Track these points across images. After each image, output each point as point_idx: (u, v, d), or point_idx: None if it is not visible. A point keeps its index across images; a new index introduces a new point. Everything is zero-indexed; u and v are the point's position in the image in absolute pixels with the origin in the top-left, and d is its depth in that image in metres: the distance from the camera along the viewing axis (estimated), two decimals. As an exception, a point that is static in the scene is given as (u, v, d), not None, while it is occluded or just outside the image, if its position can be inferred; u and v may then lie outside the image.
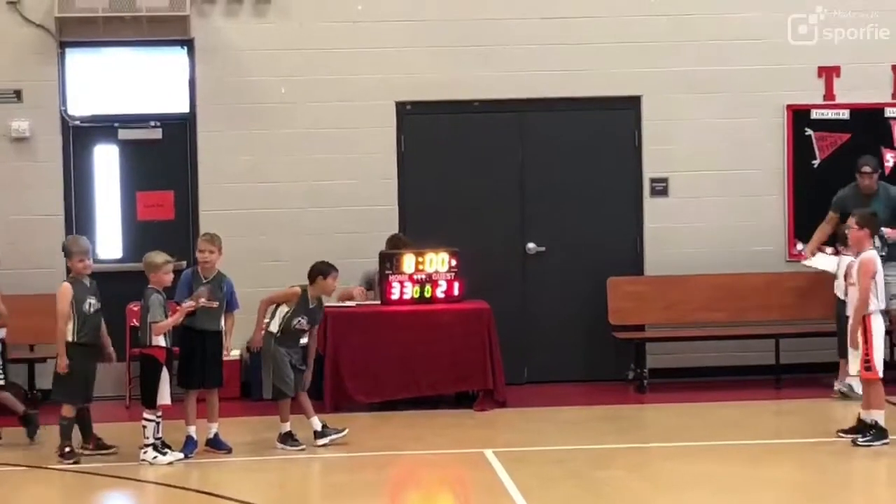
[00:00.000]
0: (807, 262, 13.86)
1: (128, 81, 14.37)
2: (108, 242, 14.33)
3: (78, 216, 14.28)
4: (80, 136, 14.35)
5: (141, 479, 10.67)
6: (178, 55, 14.38)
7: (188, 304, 11.25)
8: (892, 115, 14.74)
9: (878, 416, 11.23)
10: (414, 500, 10.48)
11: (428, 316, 13.35)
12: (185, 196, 14.40)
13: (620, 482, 10.38)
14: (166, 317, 11.15)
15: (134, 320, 13.37)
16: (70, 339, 11.28)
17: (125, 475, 10.76)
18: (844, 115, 14.71)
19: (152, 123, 14.42)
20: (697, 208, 14.60)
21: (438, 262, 13.55)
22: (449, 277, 13.56)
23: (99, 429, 11.62)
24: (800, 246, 14.61)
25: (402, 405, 13.17)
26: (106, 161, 14.42)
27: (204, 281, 11.47)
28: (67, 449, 11.21)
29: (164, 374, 11.11)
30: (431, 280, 13.51)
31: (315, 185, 14.35)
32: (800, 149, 14.70)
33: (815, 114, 14.69)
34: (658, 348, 14.34)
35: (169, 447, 11.16)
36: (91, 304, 11.37)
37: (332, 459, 11.38)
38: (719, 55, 14.57)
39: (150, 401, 11.10)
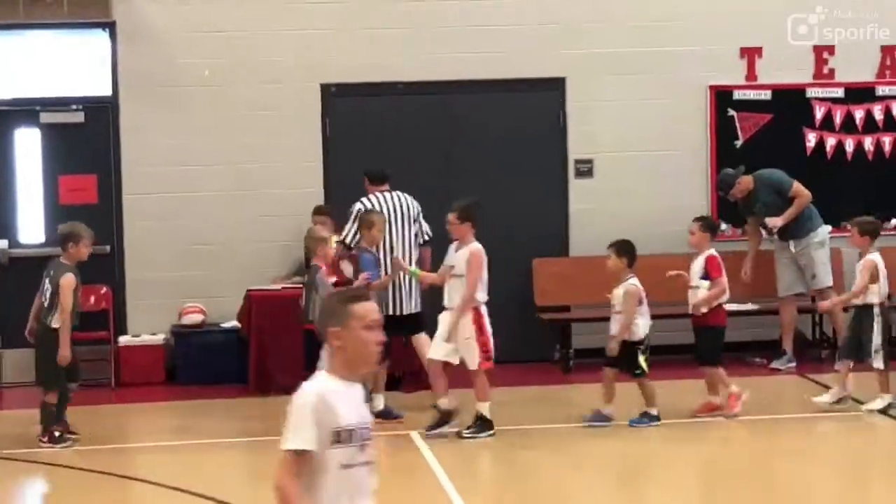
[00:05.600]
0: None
1: (49, 65, 14.23)
2: (30, 227, 14.20)
3: (-1, 200, 14.16)
4: (1, 120, 14.21)
5: (50, 463, 10.63)
6: (100, 38, 14.25)
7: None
8: (813, 95, 14.89)
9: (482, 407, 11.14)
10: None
11: (353, 298, 13.33)
12: (108, 180, 14.29)
13: (544, 462, 10.46)
14: None
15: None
16: (56, 325, 11.12)
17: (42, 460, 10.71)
18: (766, 95, 14.83)
19: (74, 107, 14.30)
20: (622, 189, 14.66)
21: (363, 244, 13.51)
22: (374, 260, 13.55)
23: (15, 416, 11.51)
24: (724, 226, 14.72)
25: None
26: (27, 145, 14.28)
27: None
28: (57, 434, 11.15)
29: None
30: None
31: (240, 169, 14.27)
32: (722, 129, 14.81)
33: (738, 94, 14.81)
34: (583, 329, 14.33)
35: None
36: (79, 293, 11.35)
37: (251, 443, 11.34)
38: (642, 37, 14.64)
39: None
